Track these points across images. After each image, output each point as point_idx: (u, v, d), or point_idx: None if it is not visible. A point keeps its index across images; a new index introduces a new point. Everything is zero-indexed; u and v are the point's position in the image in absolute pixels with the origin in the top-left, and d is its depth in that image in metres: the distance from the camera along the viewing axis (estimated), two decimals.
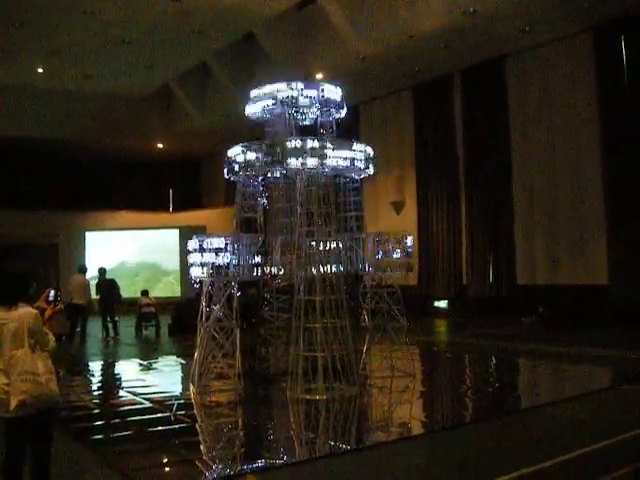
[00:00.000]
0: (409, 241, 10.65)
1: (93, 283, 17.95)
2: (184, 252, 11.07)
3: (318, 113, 10.51)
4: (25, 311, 4.89)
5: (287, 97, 10.09)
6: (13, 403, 4.74)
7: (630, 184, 15.97)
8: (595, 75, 16.93)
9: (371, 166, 10.09)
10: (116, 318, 17.72)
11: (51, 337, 5.07)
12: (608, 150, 16.60)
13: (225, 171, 10.17)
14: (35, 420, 4.83)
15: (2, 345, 4.83)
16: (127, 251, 27.04)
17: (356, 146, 9.79)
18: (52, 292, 5.11)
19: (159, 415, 8.61)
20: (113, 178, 30.65)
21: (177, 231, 26.41)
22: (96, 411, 9.38)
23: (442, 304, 21.24)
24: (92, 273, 18.94)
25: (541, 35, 17.39)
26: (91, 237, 27.04)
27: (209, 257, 9.69)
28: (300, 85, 10.14)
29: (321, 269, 9.49)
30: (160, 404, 9.26)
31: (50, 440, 5.04)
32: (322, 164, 9.37)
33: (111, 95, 24.75)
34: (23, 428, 4.82)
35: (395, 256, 10.40)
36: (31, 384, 4.76)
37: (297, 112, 10.44)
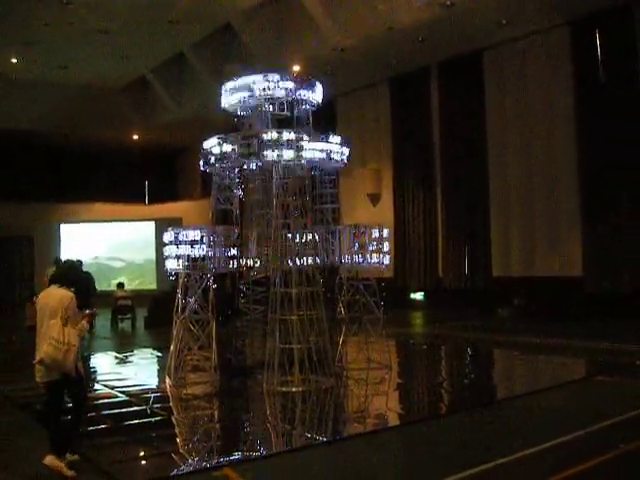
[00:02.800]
0: (385, 233, 10.65)
1: None
2: (160, 244, 11.01)
3: (294, 105, 10.49)
4: (64, 293, 6.11)
5: (263, 89, 10.06)
6: (36, 360, 5.88)
7: (604, 177, 16.13)
8: (571, 68, 17.09)
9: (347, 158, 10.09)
10: None
11: (84, 324, 6.29)
12: (583, 143, 16.75)
13: (201, 163, 10.12)
14: (63, 382, 6.00)
15: (43, 318, 5.99)
16: (102, 243, 26.81)
17: (332, 138, 9.78)
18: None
19: (135, 408, 8.57)
20: (88, 170, 30.27)
21: (153, 223, 26.24)
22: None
23: (418, 296, 21.33)
24: None
25: (518, 29, 17.49)
26: (66, 229, 26.78)
27: (185, 249, 9.67)
28: (276, 77, 10.11)
29: (297, 261, 9.49)
30: (136, 397, 9.21)
31: (79, 396, 6.31)
32: (298, 156, 9.36)
33: (86, 86, 24.48)
34: (55, 388, 6.02)
35: (370, 248, 10.40)
36: (52, 348, 5.78)
37: (273, 104, 10.40)
